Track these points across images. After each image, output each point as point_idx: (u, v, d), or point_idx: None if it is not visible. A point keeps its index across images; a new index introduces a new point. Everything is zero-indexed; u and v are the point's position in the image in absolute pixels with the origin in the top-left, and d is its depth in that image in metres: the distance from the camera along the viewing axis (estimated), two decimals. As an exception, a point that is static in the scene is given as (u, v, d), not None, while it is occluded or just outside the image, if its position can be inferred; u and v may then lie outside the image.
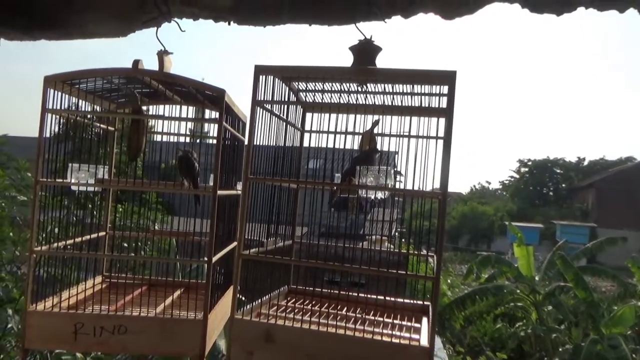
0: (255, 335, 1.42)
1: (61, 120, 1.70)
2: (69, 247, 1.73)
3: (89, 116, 1.87)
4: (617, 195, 29.21)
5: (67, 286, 1.74)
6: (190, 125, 2.12)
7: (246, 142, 1.57)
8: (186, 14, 1.86)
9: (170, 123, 1.79)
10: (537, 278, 10.94)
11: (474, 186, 47.96)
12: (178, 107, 1.88)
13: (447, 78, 1.40)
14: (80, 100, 1.76)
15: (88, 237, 1.88)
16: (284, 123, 1.71)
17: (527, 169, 41.14)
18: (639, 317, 8.78)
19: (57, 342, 1.60)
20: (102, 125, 1.95)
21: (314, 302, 1.71)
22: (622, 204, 28.77)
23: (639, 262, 10.46)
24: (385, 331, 1.44)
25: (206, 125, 2.02)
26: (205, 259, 1.59)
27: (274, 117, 1.61)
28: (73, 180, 1.64)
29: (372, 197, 1.60)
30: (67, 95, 1.67)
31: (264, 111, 1.56)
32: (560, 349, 9.49)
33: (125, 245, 2.49)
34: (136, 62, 1.61)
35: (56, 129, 1.65)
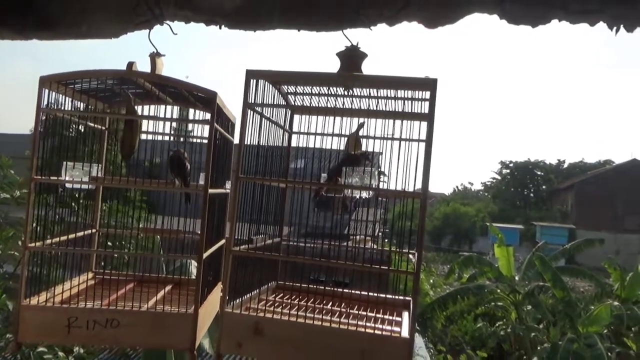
0: (244, 327, 1.48)
1: (49, 119, 1.72)
2: (62, 244, 1.76)
3: (78, 115, 1.90)
4: (596, 198, 29.84)
5: (55, 283, 1.78)
6: (176, 124, 2.17)
7: (236, 143, 1.63)
8: (179, 17, 1.90)
9: (156, 123, 1.84)
10: (517, 278, 11.15)
11: (457, 187, 48.53)
12: (164, 107, 1.93)
13: (429, 85, 1.48)
14: (72, 100, 1.80)
15: (80, 234, 1.92)
16: (273, 125, 1.77)
17: (508, 171, 41.77)
18: (614, 316, 9.01)
19: (50, 336, 1.64)
20: (96, 125, 1.99)
21: (300, 298, 1.78)
22: (600, 206, 29.40)
23: (615, 263, 10.73)
24: (368, 324, 1.52)
25: (193, 125, 2.06)
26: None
27: (263, 119, 1.68)
28: (67, 178, 1.69)
29: (357, 196, 1.67)
30: (61, 95, 1.70)
31: (254, 113, 1.62)
32: (538, 348, 9.69)
33: (110, 244, 2.52)
34: (130, 64, 1.66)
35: (43, 128, 1.67)
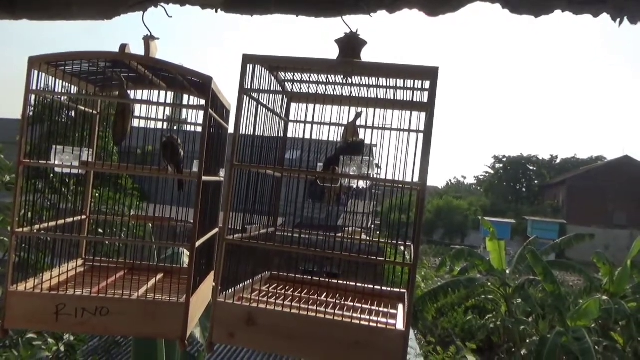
0: (237, 318, 1.46)
1: (38, 102, 1.68)
2: (51, 229, 1.73)
3: (68, 98, 1.85)
4: (587, 193, 30.10)
5: (43, 270, 1.74)
6: (169, 110, 2.12)
7: (231, 130, 1.59)
8: (173, 0, 1.85)
9: (149, 108, 1.80)
10: (507, 272, 11.25)
11: (450, 180, 48.81)
12: (157, 92, 1.89)
13: (430, 73, 1.45)
14: (63, 82, 1.75)
15: (70, 220, 1.88)
16: (269, 112, 1.73)
17: (501, 165, 42.03)
18: (602, 310, 9.11)
19: (38, 323, 1.61)
20: (87, 109, 1.94)
21: (294, 288, 1.76)
22: (591, 201, 29.67)
23: (603, 258, 10.82)
24: (363, 316, 1.50)
25: (187, 111, 2.02)
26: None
27: (259, 106, 1.64)
28: (57, 162, 1.64)
29: (355, 186, 1.65)
30: (51, 77, 1.65)
31: (250, 100, 1.58)
32: (527, 341, 9.81)
33: (101, 230, 2.49)
34: (123, 46, 1.61)
35: (32, 111, 1.63)
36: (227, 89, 1.89)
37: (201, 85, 1.66)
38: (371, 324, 1.41)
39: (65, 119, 1.83)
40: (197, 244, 1.64)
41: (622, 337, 9.56)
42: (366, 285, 1.78)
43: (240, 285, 1.67)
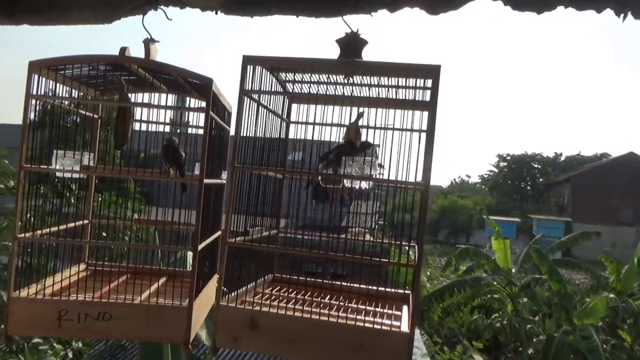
0: (240, 321, 1.45)
1: (39, 106, 1.67)
2: (53, 234, 1.72)
3: (69, 102, 1.85)
4: (592, 191, 29.93)
5: (46, 275, 1.73)
6: (171, 113, 2.11)
7: (233, 132, 1.58)
8: (173, 2, 1.85)
9: (150, 111, 1.79)
10: (513, 270, 11.20)
11: (454, 180, 48.71)
12: (158, 94, 1.88)
13: (432, 72, 1.43)
14: (63, 86, 1.74)
15: (72, 225, 1.87)
16: (270, 113, 1.72)
17: (506, 164, 41.90)
18: (610, 308, 9.04)
19: (41, 329, 1.60)
20: (87, 113, 1.93)
21: (297, 291, 1.75)
22: (596, 199, 29.51)
23: (611, 256, 10.74)
24: (367, 318, 1.49)
25: (188, 113, 2.01)
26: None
27: (260, 107, 1.63)
28: (58, 167, 1.64)
29: (357, 187, 1.64)
30: (52, 81, 1.65)
31: (251, 101, 1.57)
32: (534, 340, 9.75)
33: (105, 234, 2.49)
34: (123, 49, 1.60)
35: (34, 116, 1.63)
36: (228, 91, 1.89)
37: (202, 87, 1.66)
38: (375, 326, 1.40)
39: (66, 123, 1.82)
40: (200, 247, 1.63)
41: (629, 335, 9.49)
42: (370, 287, 1.77)
43: (243, 288, 1.66)
